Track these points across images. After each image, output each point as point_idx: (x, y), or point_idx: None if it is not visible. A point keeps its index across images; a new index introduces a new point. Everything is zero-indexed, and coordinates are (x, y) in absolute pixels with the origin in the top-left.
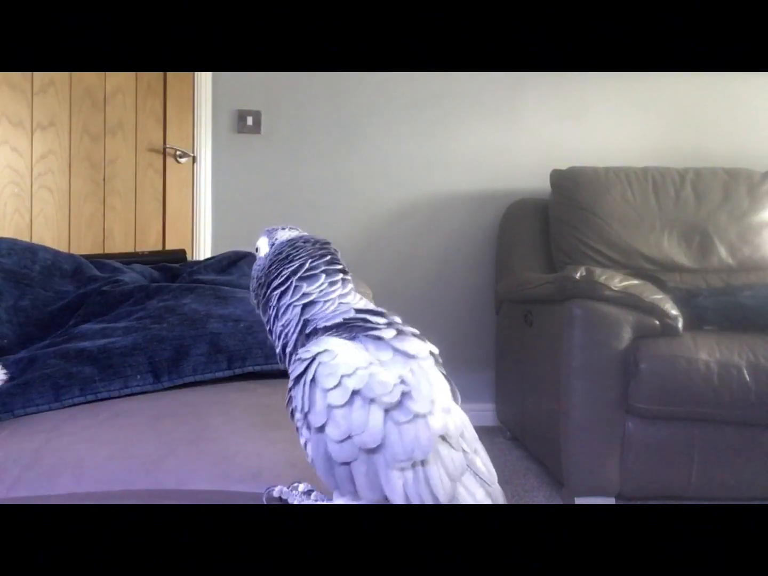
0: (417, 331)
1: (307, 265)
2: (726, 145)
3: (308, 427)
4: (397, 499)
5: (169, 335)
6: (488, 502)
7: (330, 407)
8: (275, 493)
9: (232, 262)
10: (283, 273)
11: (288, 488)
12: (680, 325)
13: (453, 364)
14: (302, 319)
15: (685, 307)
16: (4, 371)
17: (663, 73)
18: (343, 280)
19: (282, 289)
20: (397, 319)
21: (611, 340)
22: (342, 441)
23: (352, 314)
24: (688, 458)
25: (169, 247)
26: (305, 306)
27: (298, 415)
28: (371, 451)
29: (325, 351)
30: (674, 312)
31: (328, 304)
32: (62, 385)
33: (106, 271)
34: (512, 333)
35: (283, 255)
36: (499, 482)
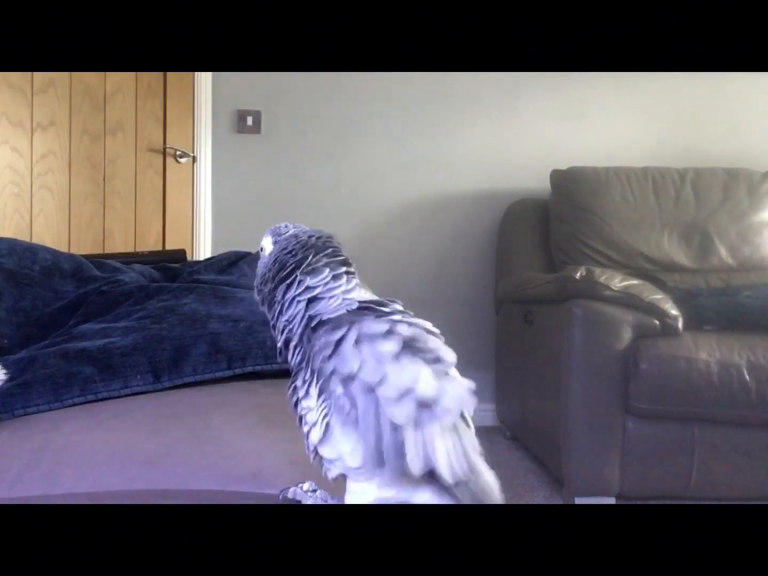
0: (425, 322)
1: (310, 259)
2: (726, 145)
3: (349, 395)
4: (443, 465)
5: (169, 335)
6: (493, 482)
7: (383, 361)
8: (290, 495)
9: (232, 262)
10: (288, 267)
11: (302, 490)
12: (680, 325)
13: None
14: (307, 314)
15: (685, 307)
16: (4, 371)
17: (663, 73)
18: (347, 273)
19: (287, 282)
20: (400, 308)
21: (611, 340)
22: (399, 398)
23: (355, 306)
24: (688, 458)
25: (169, 247)
26: (310, 301)
27: (312, 394)
28: (426, 405)
29: (357, 322)
30: (674, 312)
31: (332, 300)
32: (62, 385)
33: (106, 271)
34: (512, 333)
35: (288, 249)
36: (500, 482)
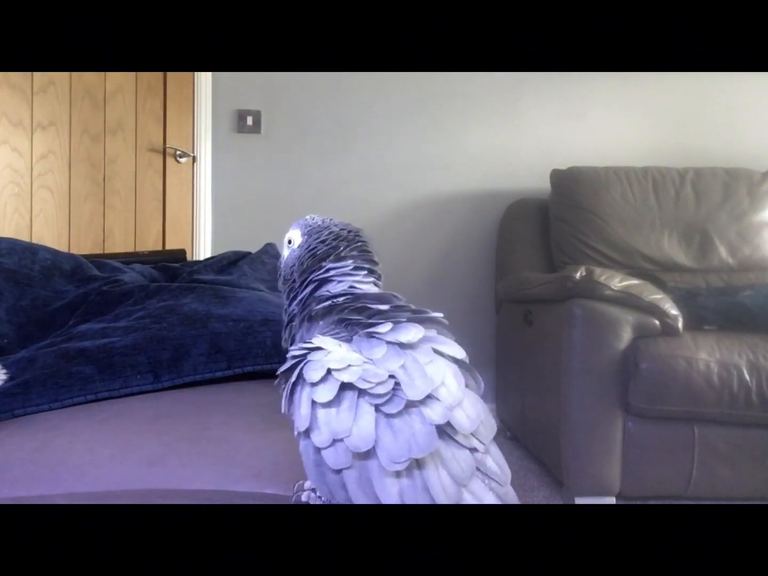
0: (434, 314)
1: (341, 249)
2: (726, 145)
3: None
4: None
5: (169, 335)
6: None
7: (314, 408)
8: (303, 498)
9: (232, 262)
10: (318, 256)
11: (316, 494)
12: (680, 324)
13: None
14: (312, 295)
15: (685, 306)
16: (4, 371)
17: (663, 73)
18: (370, 270)
19: (314, 269)
20: (402, 303)
21: (611, 340)
22: (329, 446)
23: (343, 299)
24: (688, 458)
25: (169, 247)
26: (321, 283)
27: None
28: (364, 456)
29: (318, 349)
30: (674, 312)
31: (339, 285)
32: (62, 385)
33: (106, 271)
34: (512, 333)
35: (321, 239)
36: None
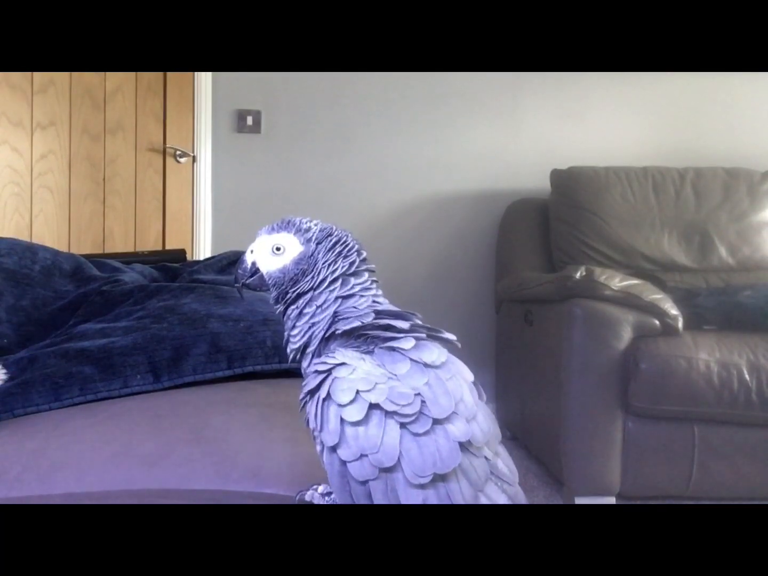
0: (448, 335)
1: (358, 262)
2: (726, 145)
3: (322, 444)
4: None
5: (169, 335)
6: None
7: (343, 425)
8: (307, 497)
9: (232, 262)
10: (338, 269)
11: (319, 493)
12: (680, 324)
13: None
14: (334, 311)
15: (685, 306)
16: (4, 371)
17: (663, 73)
18: (374, 280)
19: (337, 283)
20: (420, 322)
21: (611, 340)
22: (357, 460)
23: (371, 318)
24: (688, 458)
25: (169, 247)
26: (343, 299)
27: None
28: (388, 470)
29: (342, 365)
30: (674, 311)
31: (362, 300)
32: (62, 385)
33: (106, 271)
34: (512, 333)
35: (337, 250)
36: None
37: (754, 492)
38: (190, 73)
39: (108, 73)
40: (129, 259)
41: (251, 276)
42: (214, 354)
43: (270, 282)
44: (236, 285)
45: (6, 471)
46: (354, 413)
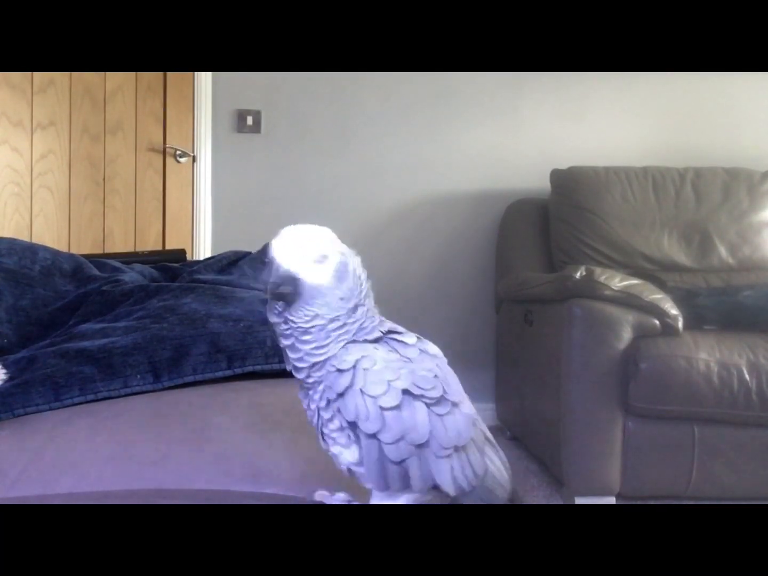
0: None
1: (368, 284)
2: (726, 145)
3: (354, 435)
4: (446, 484)
5: (169, 335)
6: (502, 466)
7: (383, 412)
8: (317, 497)
9: (232, 262)
10: (359, 292)
11: (329, 494)
12: (680, 324)
13: (453, 364)
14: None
15: (685, 306)
16: (4, 371)
17: (663, 73)
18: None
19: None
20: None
21: (611, 340)
22: (396, 442)
23: (385, 327)
24: (688, 458)
25: (169, 246)
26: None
27: (336, 424)
28: (421, 446)
29: (363, 357)
30: (674, 311)
31: (377, 319)
32: (62, 385)
33: (106, 270)
34: (512, 333)
35: (358, 272)
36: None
37: (754, 492)
38: (190, 73)
39: (108, 73)
40: (129, 259)
41: (288, 285)
42: (214, 354)
43: (311, 293)
44: (271, 294)
45: (6, 471)
46: (390, 400)
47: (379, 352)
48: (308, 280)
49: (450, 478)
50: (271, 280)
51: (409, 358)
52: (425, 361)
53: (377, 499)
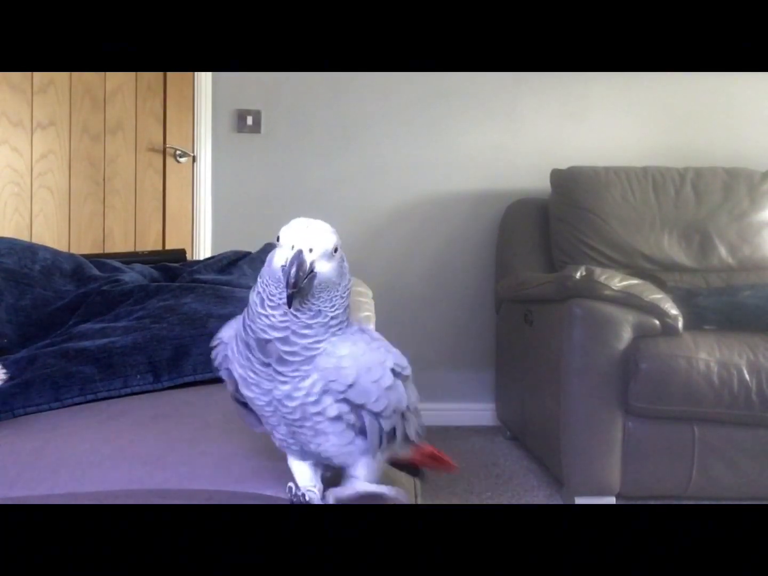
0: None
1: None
2: (726, 145)
3: (356, 417)
4: (413, 435)
5: (169, 335)
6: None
7: (384, 392)
8: (307, 497)
9: (232, 262)
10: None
11: (315, 493)
12: (680, 324)
13: (453, 364)
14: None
15: (685, 306)
16: (4, 371)
17: (663, 73)
18: None
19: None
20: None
21: (611, 340)
22: (390, 415)
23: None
24: (688, 458)
25: (169, 246)
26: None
27: (333, 412)
28: (401, 411)
29: (358, 347)
30: (674, 311)
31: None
32: (62, 385)
33: (106, 270)
34: (512, 333)
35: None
36: (500, 482)
37: (754, 492)
38: (190, 73)
39: (108, 73)
40: (129, 259)
41: (310, 278)
42: None
43: (319, 287)
44: (293, 290)
45: (6, 471)
46: (387, 381)
47: (364, 340)
48: (324, 273)
49: (414, 430)
50: (294, 271)
51: (381, 342)
52: (386, 345)
53: (364, 467)
